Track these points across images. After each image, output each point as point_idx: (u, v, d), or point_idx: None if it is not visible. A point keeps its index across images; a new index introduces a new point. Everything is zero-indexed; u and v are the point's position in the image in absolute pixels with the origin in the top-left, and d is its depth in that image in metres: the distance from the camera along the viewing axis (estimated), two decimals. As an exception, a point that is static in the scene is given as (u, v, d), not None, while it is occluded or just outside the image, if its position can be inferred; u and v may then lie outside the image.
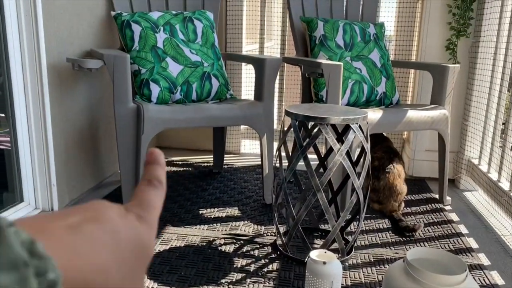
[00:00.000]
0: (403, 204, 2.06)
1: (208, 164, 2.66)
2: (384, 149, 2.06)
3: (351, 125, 1.48)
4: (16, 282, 0.16)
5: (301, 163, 1.51)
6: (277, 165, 1.71)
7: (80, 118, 2.07)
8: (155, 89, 1.89)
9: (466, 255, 1.66)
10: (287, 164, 1.66)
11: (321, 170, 1.80)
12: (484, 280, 1.49)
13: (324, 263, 1.24)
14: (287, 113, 1.54)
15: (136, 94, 1.92)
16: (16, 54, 1.71)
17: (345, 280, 1.47)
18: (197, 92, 2.00)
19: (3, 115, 1.81)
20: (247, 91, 2.83)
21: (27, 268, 0.16)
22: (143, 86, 1.89)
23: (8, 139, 1.78)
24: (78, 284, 0.20)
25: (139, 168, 1.79)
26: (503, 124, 2.15)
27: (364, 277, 1.49)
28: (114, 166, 2.38)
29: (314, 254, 1.27)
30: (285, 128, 1.64)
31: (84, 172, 2.12)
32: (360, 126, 1.53)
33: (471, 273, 1.52)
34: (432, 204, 2.14)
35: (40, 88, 1.75)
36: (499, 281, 1.51)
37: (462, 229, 1.91)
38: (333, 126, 1.71)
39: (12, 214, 1.74)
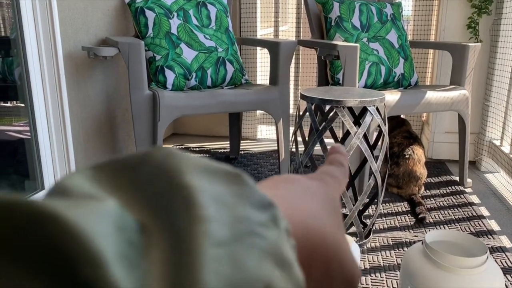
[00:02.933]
0: (422, 188, 2.03)
1: (225, 150, 2.66)
2: (403, 134, 2.02)
3: (368, 108, 1.46)
4: (270, 220, 0.16)
5: (318, 147, 1.50)
6: (293, 149, 1.70)
7: (97, 106, 2.09)
8: (170, 76, 1.89)
9: (487, 237, 1.64)
10: (303, 148, 1.65)
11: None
12: (506, 262, 1.46)
13: (342, 246, 1.23)
14: (303, 96, 1.52)
15: (152, 81, 1.92)
16: (32, 44, 1.73)
17: (364, 263, 1.46)
18: (212, 78, 1.99)
19: (22, 104, 1.84)
20: (262, 76, 2.81)
21: (273, 208, 0.17)
22: (158, 73, 1.89)
23: (28, 128, 1.81)
24: (300, 230, 0.20)
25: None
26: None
27: (383, 260, 1.48)
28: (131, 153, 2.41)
29: (331, 238, 1.27)
30: (301, 112, 1.63)
31: (102, 159, 2.14)
32: (377, 109, 1.50)
33: (492, 255, 1.50)
34: (453, 187, 2.11)
35: (57, 76, 1.77)
36: (522, 263, 1.48)
37: (483, 211, 1.88)
38: (350, 109, 1.69)
39: (34, 201, 1.77)
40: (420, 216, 1.76)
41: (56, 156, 1.84)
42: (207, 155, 2.58)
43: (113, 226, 0.13)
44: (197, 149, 2.71)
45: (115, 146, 2.28)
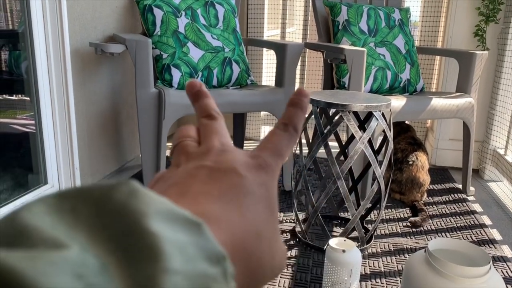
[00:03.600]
0: (425, 194, 2.03)
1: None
2: (407, 140, 2.02)
3: (374, 113, 1.46)
4: (222, 275, 0.16)
5: (322, 150, 1.50)
6: (297, 152, 1.69)
7: (103, 102, 2.09)
8: (176, 74, 1.89)
9: (489, 246, 1.63)
10: (307, 151, 1.65)
11: (342, 158, 1.78)
12: (507, 272, 1.46)
13: (344, 251, 1.23)
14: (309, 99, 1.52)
15: (158, 79, 1.92)
16: (40, 38, 1.73)
17: (364, 268, 1.46)
18: (218, 78, 1.99)
19: (28, 98, 1.84)
20: (268, 77, 2.81)
21: (225, 261, 0.17)
22: (164, 71, 1.89)
23: (33, 122, 1.81)
24: (240, 255, 0.20)
25: (160, 153, 1.80)
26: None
27: (384, 266, 1.48)
28: (135, 150, 2.41)
29: (333, 242, 1.27)
30: (306, 115, 1.63)
31: (106, 155, 2.15)
32: (383, 114, 1.50)
33: (493, 265, 1.50)
34: (455, 194, 2.10)
35: (63, 71, 1.77)
36: (523, 274, 1.48)
37: (486, 220, 1.87)
38: (355, 114, 1.69)
39: (36, 196, 1.78)
40: (411, 220, 1.76)
41: (60, 150, 1.85)
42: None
43: (72, 276, 0.13)
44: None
45: (119, 143, 2.28)
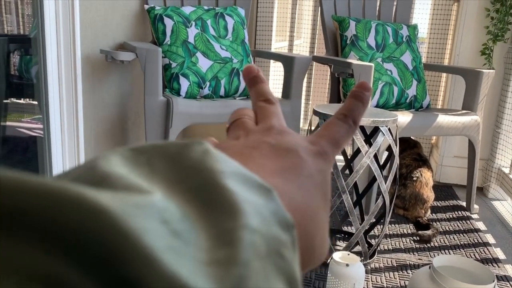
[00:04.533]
0: (429, 211, 2.03)
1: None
2: (413, 156, 2.02)
3: (381, 128, 1.47)
4: (291, 242, 0.16)
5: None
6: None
7: (111, 109, 2.11)
8: (184, 84, 1.91)
9: (493, 265, 1.63)
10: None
11: (347, 171, 1.78)
12: (510, 292, 1.45)
13: (347, 265, 1.23)
14: (316, 112, 1.53)
15: (166, 88, 1.94)
16: (52, 44, 1.75)
17: (367, 283, 1.45)
18: (225, 88, 2.00)
19: (36, 102, 1.86)
20: (275, 89, 2.82)
21: (294, 229, 0.17)
22: (173, 80, 1.91)
23: (41, 126, 1.83)
24: (298, 231, 0.19)
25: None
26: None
27: (386, 281, 1.47)
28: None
29: (337, 256, 1.27)
30: (313, 128, 1.64)
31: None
32: (389, 129, 1.51)
33: (497, 284, 1.49)
34: (459, 212, 2.10)
35: (73, 77, 1.79)
36: (527, 294, 1.47)
37: (489, 238, 1.86)
38: (361, 128, 1.69)
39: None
40: (421, 233, 1.75)
41: (67, 155, 1.86)
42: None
43: (158, 220, 0.13)
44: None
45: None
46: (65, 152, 1.86)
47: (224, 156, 0.17)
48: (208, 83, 1.95)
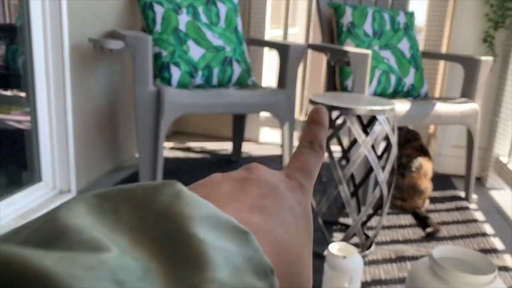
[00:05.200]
0: (427, 201, 1.99)
1: (227, 153, 2.62)
2: (415, 147, 1.99)
3: (378, 117, 1.42)
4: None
5: (324, 153, 1.46)
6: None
7: (100, 100, 2.05)
8: (175, 73, 1.85)
9: (491, 255, 1.60)
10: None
11: (344, 162, 1.74)
12: (509, 282, 1.42)
13: (344, 257, 1.19)
14: (312, 101, 1.49)
15: (157, 77, 1.88)
16: (39, 33, 1.69)
17: (364, 275, 1.42)
18: (218, 77, 1.95)
19: (23, 94, 1.81)
20: (269, 78, 2.77)
21: (273, 276, 0.16)
22: (163, 69, 1.85)
23: (29, 118, 1.77)
24: (284, 271, 0.19)
25: (157, 152, 1.76)
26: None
27: (384, 273, 1.44)
28: (131, 149, 2.37)
29: (334, 248, 1.23)
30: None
31: (102, 154, 2.11)
32: (387, 118, 1.46)
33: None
34: (457, 202, 2.07)
35: (61, 67, 1.73)
36: (527, 285, 1.44)
37: (488, 229, 1.83)
38: (358, 117, 1.65)
39: (30, 193, 1.74)
40: (428, 230, 1.71)
41: (56, 148, 1.81)
42: (208, 156, 2.54)
43: (111, 281, 0.12)
44: (199, 149, 2.67)
45: (116, 141, 2.24)
46: (54, 145, 1.81)
47: (196, 198, 0.17)
48: (200, 72, 1.90)
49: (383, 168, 1.50)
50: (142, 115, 1.73)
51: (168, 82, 1.86)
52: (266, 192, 0.22)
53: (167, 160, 2.40)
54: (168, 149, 2.61)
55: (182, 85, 1.87)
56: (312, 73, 2.83)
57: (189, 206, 0.16)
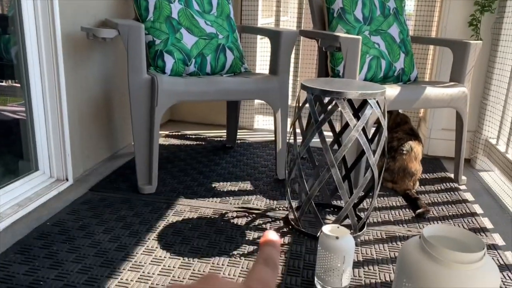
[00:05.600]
0: (417, 183, 2.04)
1: (221, 139, 2.65)
2: (406, 131, 2.03)
3: (369, 101, 1.45)
4: None
5: (315, 139, 1.49)
6: (291, 141, 1.69)
7: (95, 88, 2.06)
8: (169, 61, 1.87)
9: (481, 235, 1.65)
10: (301, 140, 1.64)
11: (336, 147, 1.78)
12: (498, 260, 1.47)
13: (337, 237, 1.23)
14: (303, 87, 1.51)
15: (150, 66, 1.90)
16: (30, 23, 1.70)
17: (357, 256, 1.46)
18: (212, 65, 1.97)
19: (18, 84, 1.81)
20: (262, 65, 2.79)
21: None
22: (157, 58, 1.87)
23: (24, 109, 1.79)
24: None
25: (153, 140, 1.79)
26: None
27: (376, 253, 1.49)
28: (128, 138, 2.39)
29: (327, 229, 1.27)
30: (301, 103, 1.62)
31: (98, 142, 2.13)
32: (377, 102, 1.49)
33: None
34: (447, 184, 2.12)
35: (54, 57, 1.74)
36: (514, 261, 1.49)
37: (477, 209, 1.89)
38: (349, 102, 1.68)
39: (27, 182, 1.76)
40: (419, 211, 1.76)
41: (51, 137, 1.82)
42: (204, 143, 2.56)
43: None
44: (193, 136, 2.69)
45: (111, 130, 2.26)
46: (49, 135, 1.82)
47: None
48: (193, 60, 1.92)
49: (374, 151, 1.54)
50: (136, 103, 1.75)
51: (162, 70, 1.87)
52: None
53: (163, 148, 2.43)
54: (164, 137, 2.63)
55: (175, 73, 1.89)
56: (304, 59, 2.85)
57: None
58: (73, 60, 1.87)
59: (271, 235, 0.31)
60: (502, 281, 1.35)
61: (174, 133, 2.73)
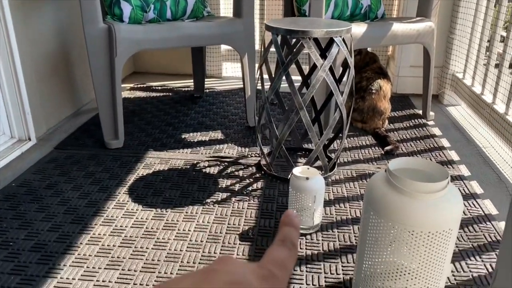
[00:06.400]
0: (386, 121, 2.06)
1: (189, 89, 2.59)
2: (375, 70, 2.01)
3: (335, 39, 1.42)
4: None
5: (284, 84, 1.46)
6: (259, 86, 1.65)
7: (50, 43, 1.95)
8: (126, 8, 1.77)
9: (448, 167, 1.69)
10: (269, 85, 1.61)
11: (305, 90, 1.75)
12: (464, 189, 1.52)
13: (307, 178, 1.24)
14: (268, 27, 1.46)
15: (107, 14, 1.79)
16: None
17: (328, 195, 1.48)
18: (172, 10, 1.88)
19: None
20: (226, 8, 2.69)
21: None
22: (113, 5, 1.76)
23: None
24: None
25: (115, 93, 1.72)
26: (488, 41, 2.09)
27: (347, 191, 1.51)
28: (91, 93, 2.30)
29: (297, 170, 1.27)
30: (266, 45, 1.57)
31: (60, 99, 2.05)
32: (344, 40, 1.46)
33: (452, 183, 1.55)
34: (416, 120, 2.14)
35: (0, 8, 1.62)
36: (478, 190, 1.55)
37: (444, 142, 1.93)
38: (317, 42, 1.64)
39: (-12, 144, 1.69)
40: (387, 148, 1.78)
41: (8, 97, 1.73)
42: (171, 94, 2.50)
43: None
44: (160, 88, 2.62)
45: (72, 86, 2.16)
46: (5, 94, 1.73)
47: None
48: (152, 6, 1.82)
49: (343, 92, 1.52)
50: (94, 55, 1.66)
51: (119, 18, 1.77)
52: (233, 281, 0.22)
53: (128, 101, 2.36)
54: (128, 90, 2.55)
55: (134, 20, 1.80)
56: (271, 1, 2.75)
57: None
58: (22, 11, 1.74)
59: (289, 215, 0.30)
60: (467, 209, 1.40)
61: (139, 86, 2.64)
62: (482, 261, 1.17)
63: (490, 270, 1.14)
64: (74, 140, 1.87)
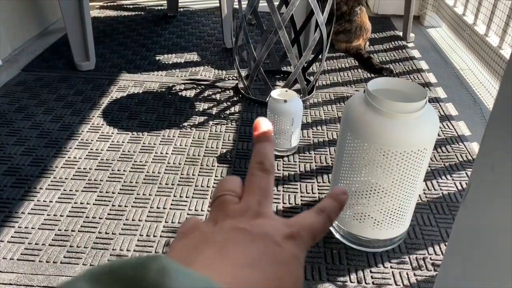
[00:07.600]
0: (367, 42, 2.02)
1: (162, 8, 2.46)
2: None
3: (316, -48, 1.33)
4: None
5: (263, 3, 1.39)
6: (236, 5, 1.57)
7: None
8: None
9: (426, 89, 1.69)
10: (247, 3, 1.53)
11: (284, 9, 1.68)
12: (440, 111, 1.54)
13: (285, 101, 1.22)
14: None
15: None
16: None
17: (306, 118, 1.48)
18: None
19: None
20: None
21: None
22: None
23: None
24: None
25: (83, 11, 1.61)
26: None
27: (325, 114, 1.51)
28: (57, 11, 2.16)
29: (275, 93, 1.25)
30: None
31: (24, 19, 1.92)
32: (325, -47, 1.38)
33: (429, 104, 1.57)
34: (396, 42, 2.11)
35: None
36: (453, 112, 1.57)
37: (423, 65, 1.92)
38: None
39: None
40: (378, 67, 1.78)
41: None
42: (143, 13, 2.37)
43: None
44: (131, 6, 2.47)
45: (37, 3, 2.02)
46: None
47: (182, 272, 0.17)
48: None
49: (323, 11, 1.46)
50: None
51: None
52: (259, 246, 0.23)
53: (98, 20, 2.23)
54: (98, 9, 2.41)
55: None
56: None
57: (176, 282, 0.16)
58: None
59: (341, 192, 0.29)
60: (441, 130, 1.43)
61: (109, 4, 2.49)
62: (453, 179, 1.22)
63: (460, 188, 1.19)
64: (43, 62, 1.78)
